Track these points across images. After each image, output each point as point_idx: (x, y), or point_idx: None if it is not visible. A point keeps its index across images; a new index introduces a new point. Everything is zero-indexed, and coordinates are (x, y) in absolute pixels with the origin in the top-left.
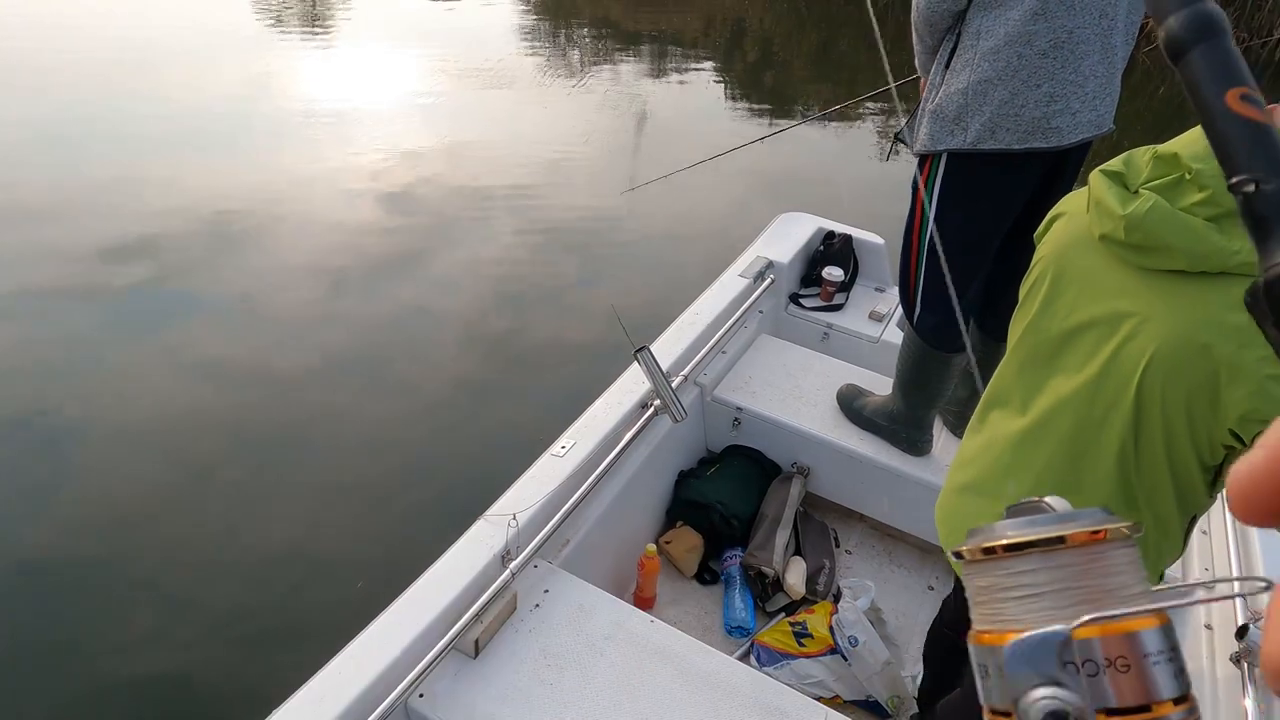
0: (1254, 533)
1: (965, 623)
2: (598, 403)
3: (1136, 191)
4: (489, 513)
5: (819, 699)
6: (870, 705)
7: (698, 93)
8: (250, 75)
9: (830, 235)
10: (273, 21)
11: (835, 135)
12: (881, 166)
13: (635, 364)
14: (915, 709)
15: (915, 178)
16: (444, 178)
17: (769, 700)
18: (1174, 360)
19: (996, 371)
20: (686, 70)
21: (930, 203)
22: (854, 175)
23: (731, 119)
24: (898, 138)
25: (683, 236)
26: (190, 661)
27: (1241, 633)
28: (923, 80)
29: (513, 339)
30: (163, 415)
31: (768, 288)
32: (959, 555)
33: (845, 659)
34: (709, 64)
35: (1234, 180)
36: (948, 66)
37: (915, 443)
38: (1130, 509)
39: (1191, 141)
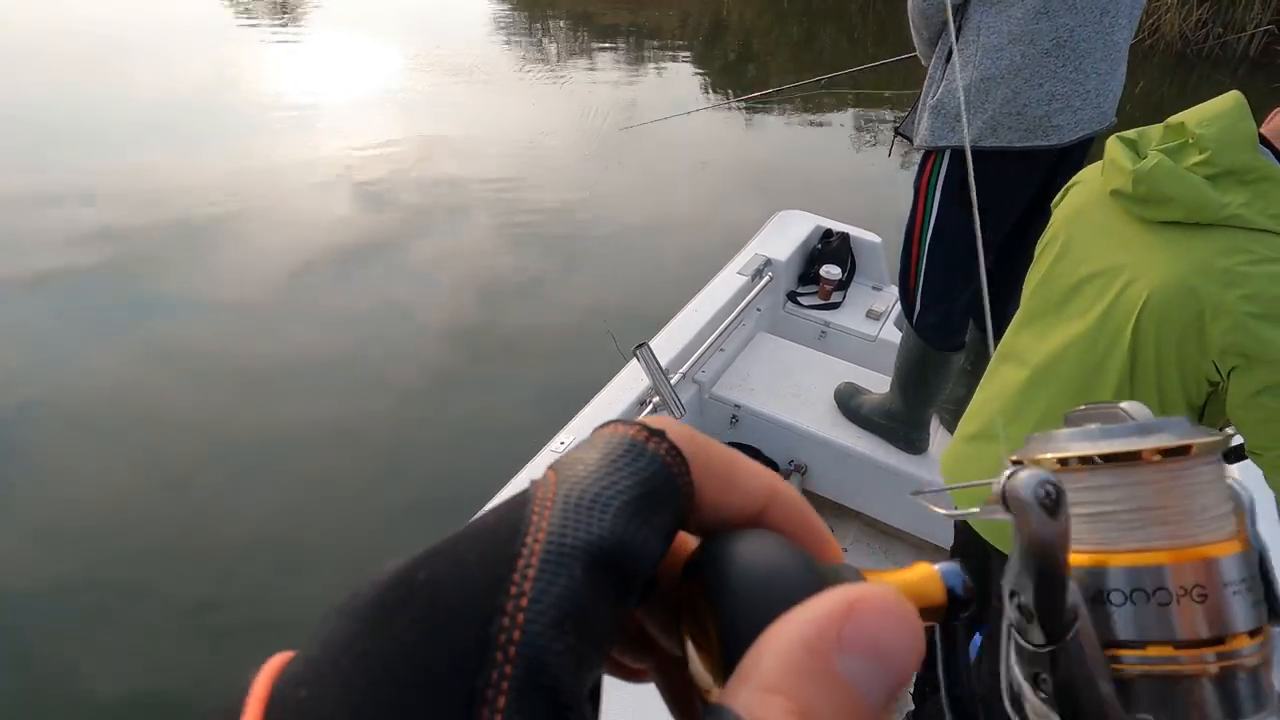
0: None
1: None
2: (596, 399)
3: (1145, 155)
4: (484, 510)
5: None
6: None
7: (678, 88)
8: (218, 68)
9: (828, 233)
10: (241, 13)
11: (820, 131)
12: (867, 162)
13: (634, 361)
14: (911, 705)
15: (917, 175)
16: (418, 171)
17: None
18: (1166, 302)
19: (1008, 328)
20: (665, 64)
21: (933, 200)
22: (844, 171)
23: (713, 113)
24: (898, 132)
25: (660, 230)
26: (162, 665)
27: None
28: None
29: (490, 334)
30: (130, 413)
31: (766, 286)
32: (1019, 464)
33: None
34: (688, 58)
35: None
36: (948, 61)
37: (912, 441)
38: None
39: (1198, 112)
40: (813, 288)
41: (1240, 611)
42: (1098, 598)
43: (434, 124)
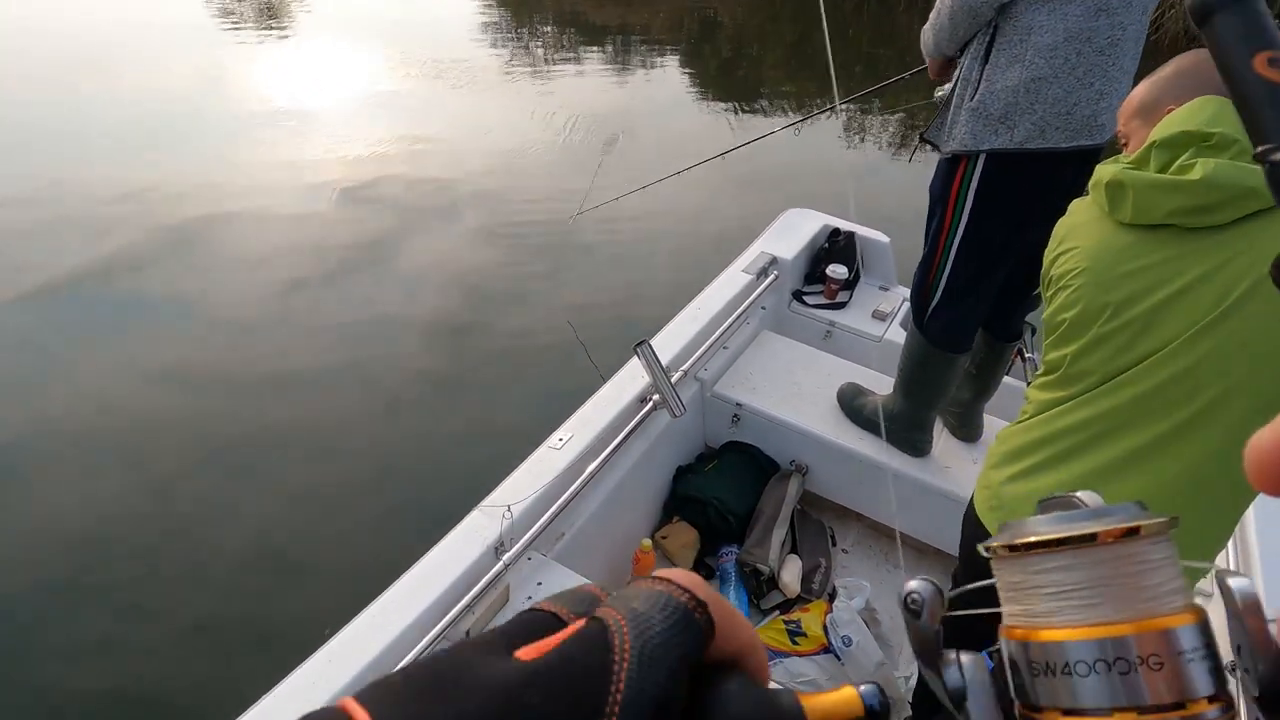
0: (1251, 537)
1: (956, 618)
2: (596, 396)
3: (1167, 172)
4: (483, 503)
5: None
6: None
7: (667, 90)
8: (204, 73)
9: (836, 233)
10: (226, 17)
11: (824, 131)
12: (876, 162)
13: (635, 358)
14: (908, 711)
15: (940, 178)
16: (405, 175)
17: None
18: None
19: (1049, 382)
20: (654, 66)
21: (964, 205)
22: (848, 170)
23: (704, 117)
24: (923, 138)
25: (652, 232)
26: (155, 673)
27: None
28: (931, 61)
29: (480, 337)
30: (119, 422)
31: (771, 284)
32: (989, 551)
33: (838, 658)
34: (679, 60)
35: (1261, 149)
36: (985, 61)
37: (915, 443)
38: (1237, 449)
39: (1189, 115)
40: (819, 287)
41: (1198, 677)
42: (1065, 669)
43: (421, 127)
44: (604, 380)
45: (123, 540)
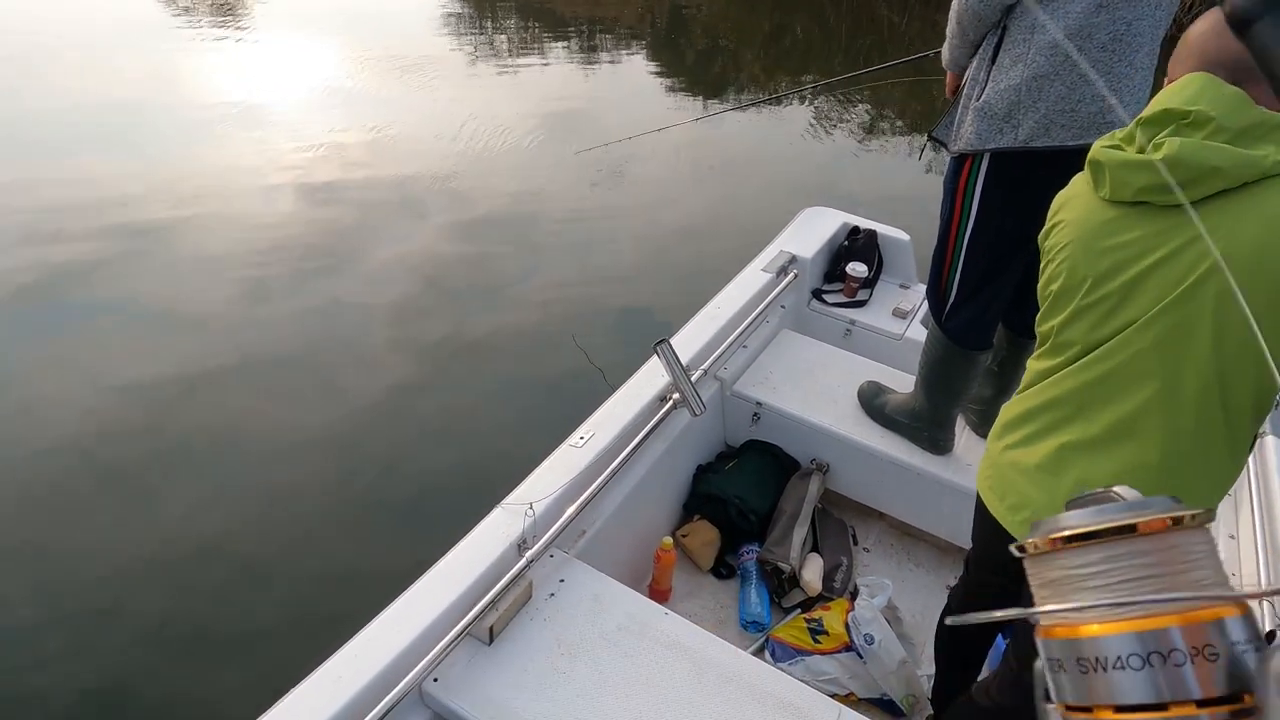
0: None
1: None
2: (616, 395)
3: (1145, 151)
4: (506, 501)
5: (833, 696)
6: (885, 704)
7: (640, 84)
8: (157, 70)
9: (855, 230)
10: (180, 12)
11: (796, 124)
12: (877, 158)
13: (655, 357)
14: (930, 709)
15: (951, 176)
16: (368, 170)
17: (783, 696)
18: (1253, 260)
19: (1038, 357)
20: (623, 60)
21: (971, 203)
22: (836, 163)
23: (677, 108)
24: (932, 137)
25: (617, 222)
26: (122, 680)
27: (1269, 638)
28: (949, 75)
29: (449, 335)
30: (80, 427)
31: (790, 283)
32: (1022, 550)
33: (861, 657)
34: (652, 53)
35: None
36: (993, 61)
37: (936, 441)
38: (1210, 422)
39: (1174, 93)
40: (838, 285)
41: (1254, 669)
42: (1116, 664)
43: (384, 122)
44: (604, 376)
45: (89, 545)
